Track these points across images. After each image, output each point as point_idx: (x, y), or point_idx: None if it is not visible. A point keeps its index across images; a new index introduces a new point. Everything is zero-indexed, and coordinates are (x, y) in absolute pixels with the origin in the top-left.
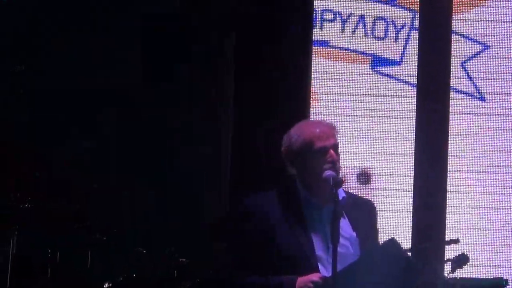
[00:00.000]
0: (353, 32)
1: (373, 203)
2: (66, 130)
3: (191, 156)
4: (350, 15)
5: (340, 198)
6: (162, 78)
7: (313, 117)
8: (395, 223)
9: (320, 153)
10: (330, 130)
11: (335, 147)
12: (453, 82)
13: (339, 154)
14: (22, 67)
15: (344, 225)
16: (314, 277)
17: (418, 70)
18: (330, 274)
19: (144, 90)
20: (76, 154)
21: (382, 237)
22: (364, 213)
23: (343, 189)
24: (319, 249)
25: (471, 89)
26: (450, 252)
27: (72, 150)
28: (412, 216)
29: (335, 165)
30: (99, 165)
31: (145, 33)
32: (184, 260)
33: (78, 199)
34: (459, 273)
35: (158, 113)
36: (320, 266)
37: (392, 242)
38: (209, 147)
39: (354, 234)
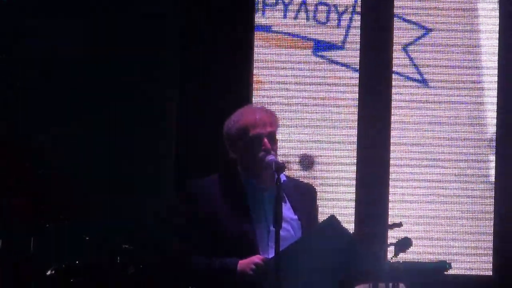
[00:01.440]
0: (295, 17)
1: (314, 187)
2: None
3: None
4: None
5: (281, 181)
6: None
7: (256, 103)
8: (338, 212)
9: (255, 140)
10: (269, 117)
11: (271, 135)
12: (395, 67)
13: (276, 142)
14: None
15: (285, 208)
16: (256, 259)
17: (360, 54)
18: (270, 256)
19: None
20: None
21: None
22: (304, 196)
23: (284, 174)
24: (259, 232)
25: (414, 73)
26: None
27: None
28: (355, 204)
29: (269, 153)
30: None
31: None
32: (128, 246)
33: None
34: (402, 257)
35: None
36: (260, 249)
37: (332, 220)
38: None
39: (296, 217)
